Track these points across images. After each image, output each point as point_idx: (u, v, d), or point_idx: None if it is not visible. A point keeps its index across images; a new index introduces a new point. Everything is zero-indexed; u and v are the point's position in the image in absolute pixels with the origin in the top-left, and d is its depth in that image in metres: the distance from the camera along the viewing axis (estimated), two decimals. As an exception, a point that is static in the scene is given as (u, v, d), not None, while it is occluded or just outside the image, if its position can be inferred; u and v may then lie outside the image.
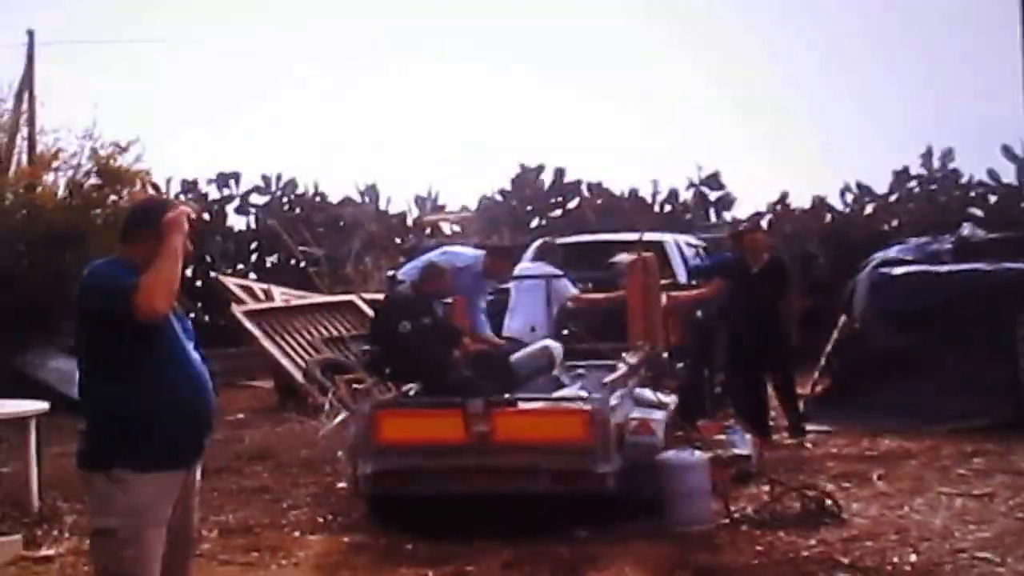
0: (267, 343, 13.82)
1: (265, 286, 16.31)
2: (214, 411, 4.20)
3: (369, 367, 8.18)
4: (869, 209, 20.73)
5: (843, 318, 12.23)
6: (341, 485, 8.44)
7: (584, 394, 7.59)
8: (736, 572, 6.11)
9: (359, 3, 39.00)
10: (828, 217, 20.47)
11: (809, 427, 10.28)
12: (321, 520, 7.55)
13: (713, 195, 21.63)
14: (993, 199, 19.88)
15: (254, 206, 21.99)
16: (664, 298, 9.38)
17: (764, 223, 18.76)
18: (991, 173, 20.13)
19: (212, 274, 18.23)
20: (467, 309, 9.06)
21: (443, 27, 38.83)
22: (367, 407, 7.15)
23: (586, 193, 21.78)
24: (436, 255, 9.29)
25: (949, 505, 7.41)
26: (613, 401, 7.00)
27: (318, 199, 22.32)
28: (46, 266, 14.04)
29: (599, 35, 37.18)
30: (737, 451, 8.04)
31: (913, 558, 6.21)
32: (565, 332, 9.69)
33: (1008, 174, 20.08)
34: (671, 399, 8.16)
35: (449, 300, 8.60)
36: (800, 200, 20.81)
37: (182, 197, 20.11)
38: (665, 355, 9.12)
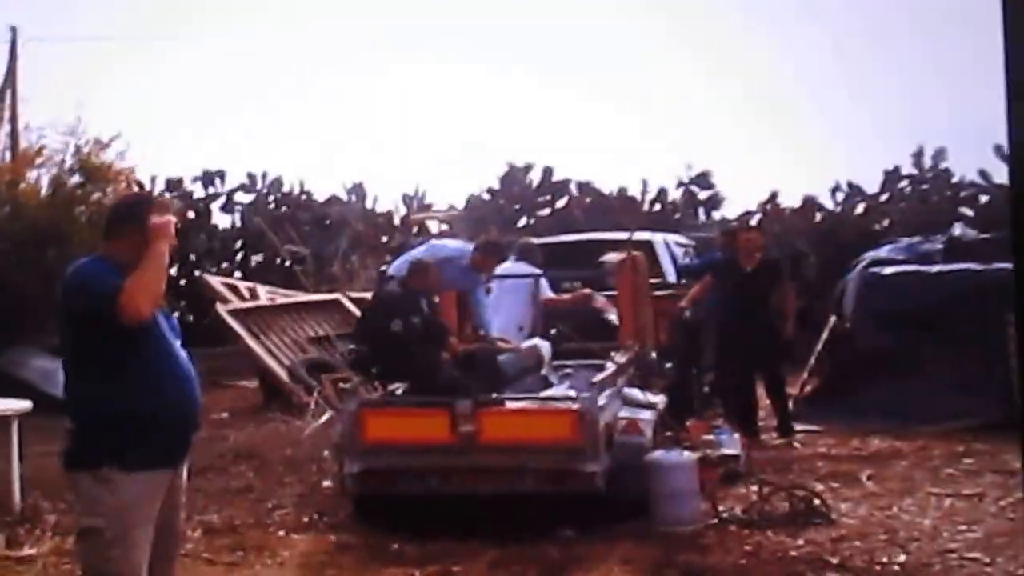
0: (252, 342, 13.73)
1: (250, 285, 16.23)
2: (200, 410, 4.19)
3: (355, 366, 8.11)
4: (860, 209, 20.73)
5: (833, 318, 12.23)
6: (327, 484, 8.40)
7: (573, 393, 7.54)
8: (724, 572, 6.08)
9: (354, 1, 38.92)
10: (818, 217, 20.47)
11: (798, 427, 10.26)
12: (306, 519, 7.50)
13: (703, 194, 21.64)
14: (984, 199, 19.86)
15: (239, 204, 21.90)
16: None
17: (754, 222, 18.73)
18: (982, 173, 20.13)
19: (197, 273, 18.15)
20: (459, 305, 8.99)
21: (440, 27, 38.94)
22: (353, 406, 7.09)
23: (574, 192, 21.76)
24: (422, 250, 9.23)
25: (938, 505, 7.39)
26: (601, 401, 6.96)
27: (304, 198, 22.24)
28: (29, 264, 13.97)
29: (592, 35, 37.28)
30: (725, 451, 8.01)
31: (902, 558, 6.18)
32: (553, 332, 9.66)
33: (1000, 174, 20.08)
34: (659, 399, 8.13)
35: (436, 299, 8.54)
36: (790, 199, 20.87)
37: (167, 195, 20.00)
38: (653, 355, 9.09)
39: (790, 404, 10.49)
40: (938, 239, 12.81)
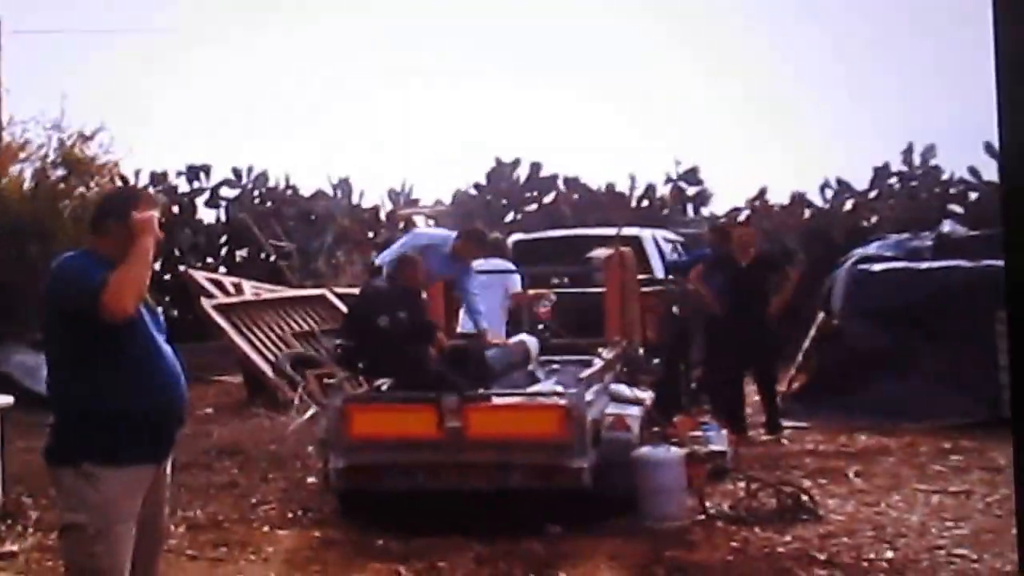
0: (236, 337, 13.65)
1: (235, 280, 16.13)
2: (185, 405, 4.16)
3: (341, 361, 8.06)
4: (849, 205, 20.73)
5: (821, 315, 12.22)
6: (311, 480, 8.36)
7: (560, 389, 7.50)
8: (711, 569, 6.05)
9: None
10: (807, 213, 20.47)
11: (786, 423, 10.27)
12: (291, 515, 7.46)
13: (691, 190, 21.62)
14: (974, 196, 19.87)
15: (224, 199, 21.79)
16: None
17: (742, 219, 18.74)
18: (972, 170, 20.13)
19: (181, 268, 18.04)
20: (447, 299, 8.92)
21: (438, 26, 38.69)
22: (339, 401, 7.05)
23: (562, 188, 21.72)
24: (404, 239, 9.17)
25: (926, 502, 7.39)
26: (589, 397, 6.92)
27: (289, 193, 22.15)
28: (11, 259, 13.84)
29: (582, 33, 37.17)
30: (713, 447, 7.98)
31: (889, 554, 6.18)
32: (540, 327, 9.62)
33: (990, 171, 20.11)
34: (647, 395, 8.10)
35: (424, 294, 8.48)
36: (779, 196, 20.86)
37: (151, 189, 19.87)
38: (641, 351, 9.06)
39: (779, 401, 10.49)
40: (927, 236, 12.82)
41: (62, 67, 31.92)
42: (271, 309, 14.66)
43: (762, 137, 35.04)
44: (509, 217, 21.17)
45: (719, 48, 38.15)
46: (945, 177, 20.64)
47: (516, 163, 22.02)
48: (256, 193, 22.04)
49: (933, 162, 20.91)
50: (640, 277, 9.93)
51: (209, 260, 20.69)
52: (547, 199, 21.71)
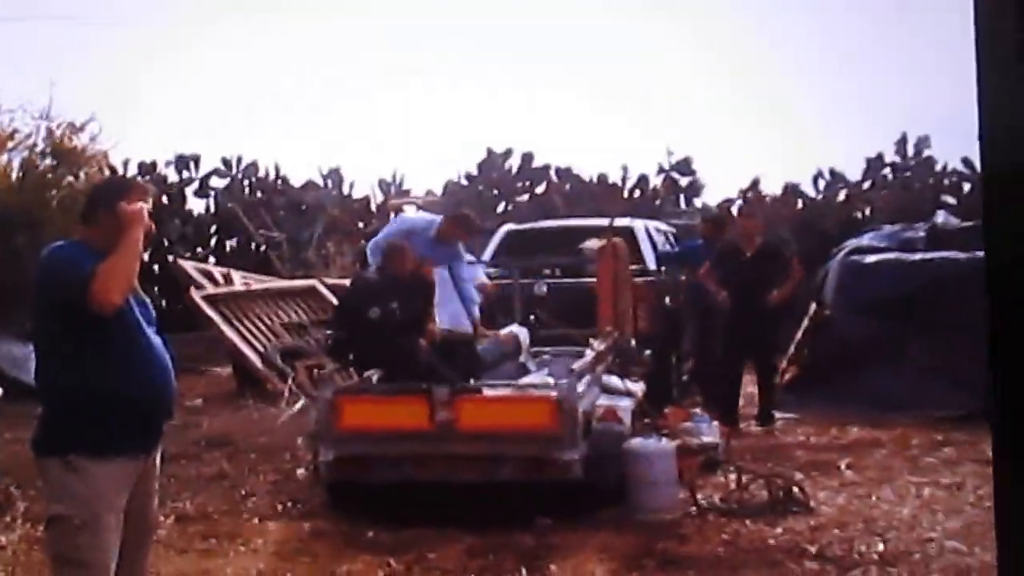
0: (226, 328, 13.59)
1: (224, 270, 16.06)
2: (173, 397, 4.15)
3: (331, 352, 8.02)
4: (842, 196, 20.71)
5: (813, 306, 12.20)
6: (301, 472, 8.32)
7: (551, 381, 7.47)
8: (702, 561, 6.03)
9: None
10: (800, 204, 20.44)
11: (778, 415, 10.25)
12: (280, 507, 7.42)
13: (683, 180, 21.58)
14: (968, 188, 19.85)
15: (214, 189, 21.70)
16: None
17: (735, 209, 18.71)
18: (966, 161, 20.12)
19: (170, 258, 17.96)
20: (444, 286, 8.87)
21: (438, 26, 38.49)
22: (329, 393, 7.01)
23: (554, 178, 21.67)
24: (391, 224, 9.12)
25: (917, 494, 7.38)
26: (580, 388, 6.89)
27: (279, 183, 22.07)
28: (-1, 248, 13.76)
29: (570, 22, 36.97)
30: (705, 439, 7.95)
31: (881, 547, 6.16)
32: (532, 318, 9.59)
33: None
34: (638, 387, 8.07)
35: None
36: (771, 187, 20.84)
37: (140, 179, 19.76)
38: (632, 342, 9.03)
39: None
40: (920, 227, 12.80)
41: (48, 56, 31.70)
42: (261, 300, 14.60)
43: (754, 128, 35.02)
44: (500, 207, 21.11)
45: (711, 39, 38.07)
46: (939, 168, 20.63)
47: (508, 153, 21.97)
48: (246, 183, 21.96)
49: (926, 153, 20.91)
50: (632, 267, 9.90)
51: (199, 250, 20.61)
52: (539, 189, 21.67)
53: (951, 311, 10.26)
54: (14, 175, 15.44)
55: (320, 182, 22.34)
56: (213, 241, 21.33)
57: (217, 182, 21.72)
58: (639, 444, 7.02)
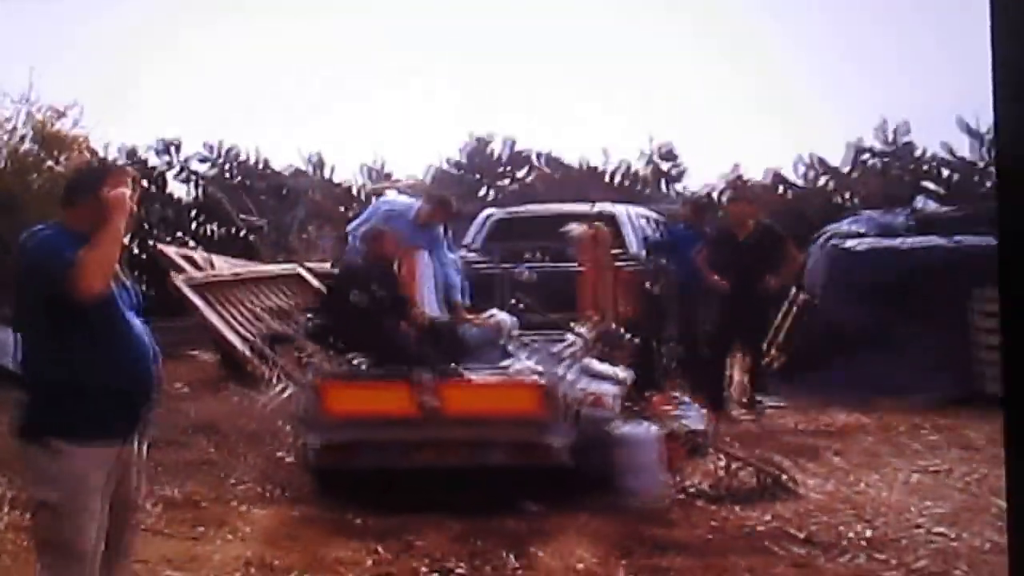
0: (209, 314, 13.50)
1: (207, 255, 15.97)
2: (155, 383, 4.10)
3: (315, 337, 7.97)
4: (823, 182, 20.69)
5: (793, 291, 12.20)
6: (287, 458, 8.28)
7: (538, 367, 7.45)
8: (690, 547, 6.03)
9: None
10: (781, 190, 20.43)
11: (765, 401, 10.24)
12: (267, 493, 7.39)
13: (666, 166, 21.55)
14: (948, 173, 19.88)
15: (195, 174, 21.57)
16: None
17: (716, 195, 18.70)
18: (947, 147, 20.13)
19: (152, 243, 17.83)
20: (421, 270, 8.83)
21: (438, 26, 38.19)
22: (314, 379, 6.97)
23: (537, 164, 21.62)
24: (371, 208, 9.07)
25: (904, 480, 7.42)
26: (567, 374, 6.88)
27: (261, 167, 21.94)
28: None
29: (578, 26, 36.72)
30: (692, 425, 7.95)
31: (868, 533, 6.19)
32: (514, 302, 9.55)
33: (963, 147, 20.09)
34: (626, 372, 8.06)
35: (396, 267, 8.38)
36: (754, 172, 20.80)
37: (119, 163, 19.61)
38: (619, 328, 9.01)
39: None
40: (900, 212, 12.82)
41: (29, 39, 31.32)
42: (244, 285, 14.51)
43: (735, 113, 34.92)
44: (483, 192, 21.04)
45: (696, 25, 37.91)
46: (918, 154, 20.63)
47: (491, 139, 21.91)
48: (227, 168, 21.82)
49: (906, 139, 20.90)
50: (614, 252, 9.87)
51: (180, 235, 20.46)
52: (521, 175, 21.61)
53: (935, 297, 10.30)
54: (-4, 159, 15.32)
55: (302, 167, 22.21)
56: (195, 226, 21.18)
57: (199, 167, 21.61)
58: (627, 430, 7.03)
